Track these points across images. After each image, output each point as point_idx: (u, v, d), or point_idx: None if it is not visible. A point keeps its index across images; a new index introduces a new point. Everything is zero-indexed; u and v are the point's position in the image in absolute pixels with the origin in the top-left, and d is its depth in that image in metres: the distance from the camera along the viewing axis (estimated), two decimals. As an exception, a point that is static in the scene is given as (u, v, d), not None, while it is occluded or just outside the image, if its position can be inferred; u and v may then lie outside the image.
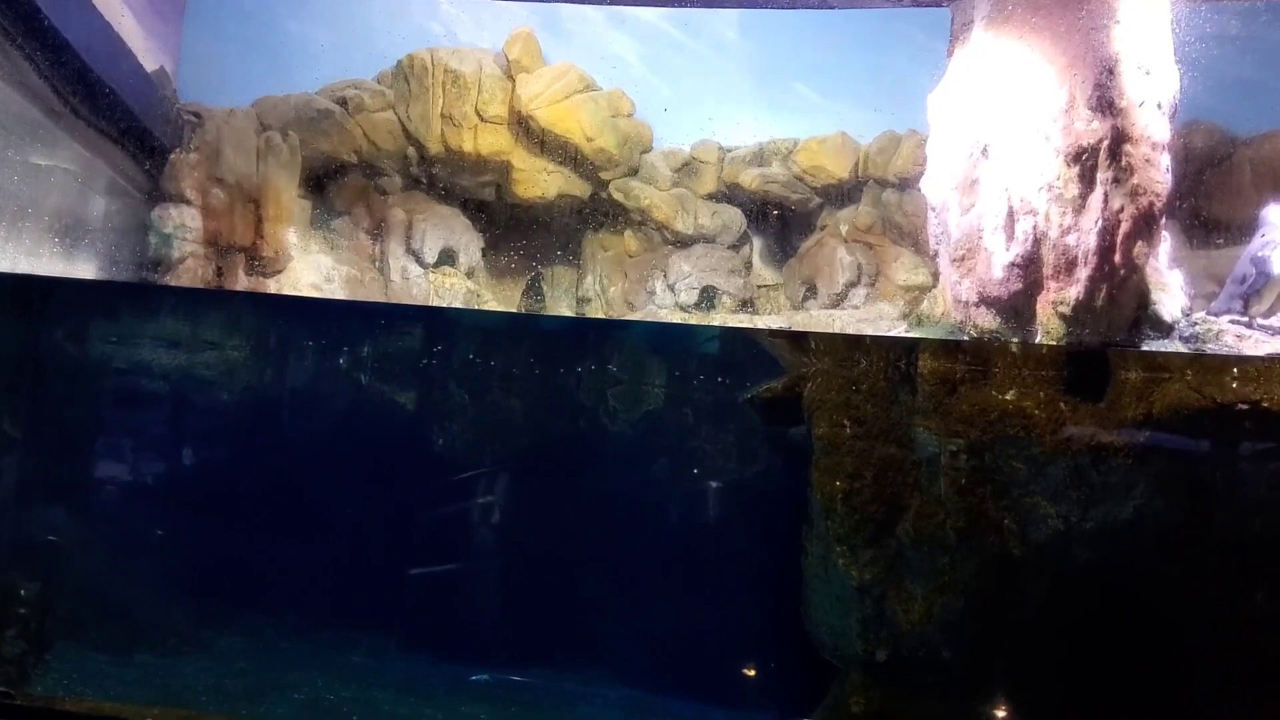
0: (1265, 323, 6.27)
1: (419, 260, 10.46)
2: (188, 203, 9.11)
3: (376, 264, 10.43)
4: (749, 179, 10.96)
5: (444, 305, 10.07)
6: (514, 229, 11.16)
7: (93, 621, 6.18)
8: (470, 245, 10.79)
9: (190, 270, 8.95)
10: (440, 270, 10.51)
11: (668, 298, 10.68)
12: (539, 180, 10.83)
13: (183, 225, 9.02)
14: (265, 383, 6.86)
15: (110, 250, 8.83)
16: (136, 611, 6.27)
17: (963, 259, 6.59)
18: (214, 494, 6.40)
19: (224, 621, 6.39)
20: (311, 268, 9.75)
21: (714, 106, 10.76)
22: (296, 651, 6.26)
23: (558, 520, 6.34)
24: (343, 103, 10.57)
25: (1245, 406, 4.86)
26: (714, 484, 6.46)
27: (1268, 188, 8.89)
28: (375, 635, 6.33)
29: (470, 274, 10.76)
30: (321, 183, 10.54)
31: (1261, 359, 5.65)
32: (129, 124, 8.79)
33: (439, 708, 5.94)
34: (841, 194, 10.80)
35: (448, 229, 10.67)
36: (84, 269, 8.39)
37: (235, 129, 9.58)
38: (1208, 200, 8.99)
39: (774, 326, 9.98)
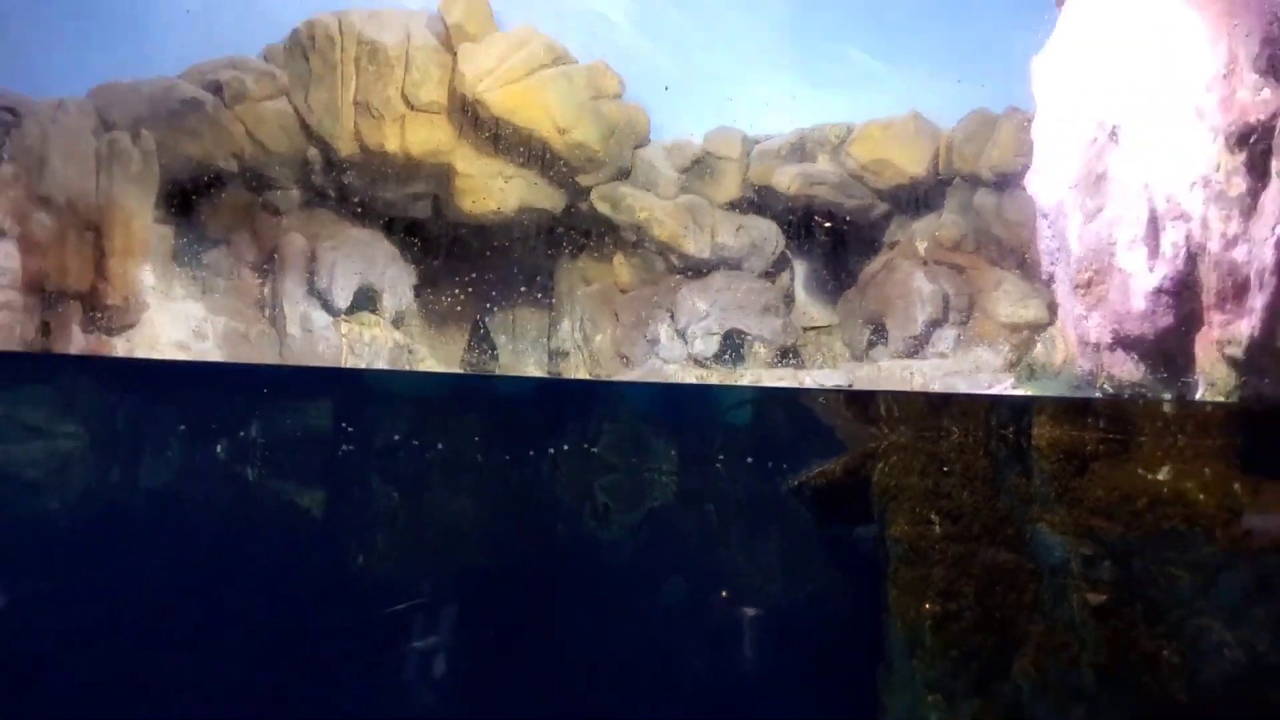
0: None
1: (326, 305, 10.52)
2: (1, 233, 9.18)
3: (267, 312, 10.49)
4: (787, 180, 11.06)
5: (362, 367, 10.10)
6: (459, 258, 11.23)
7: None
8: (398, 282, 10.86)
9: (5, 328, 8.99)
10: (356, 318, 10.57)
11: (677, 348, 10.73)
12: (492, 189, 10.94)
13: (-6, 265, 9.09)
14: (112, 484, 6.85)
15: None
16: None
17: (1089, 284, 6.63)
18: (33, 647, 6.35)
19: None
20: (176, 319, 9.80)
21: (734, 81, 10.88)
22: None
23: (529, 668, 6.31)
24: (217, 89, 10.71)
25: None
26: (749, 611, 6.44)
27: None
28: None
29: (398, 322, 10.82)
30: (189, 200, 10.62)
31: None
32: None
33: None
34: (916, 198, 10.91)
35: (366, 260, 10.76)
36: None
37: (66, 129, 9.68)
38: None
39: (828, 385, 10.00)
